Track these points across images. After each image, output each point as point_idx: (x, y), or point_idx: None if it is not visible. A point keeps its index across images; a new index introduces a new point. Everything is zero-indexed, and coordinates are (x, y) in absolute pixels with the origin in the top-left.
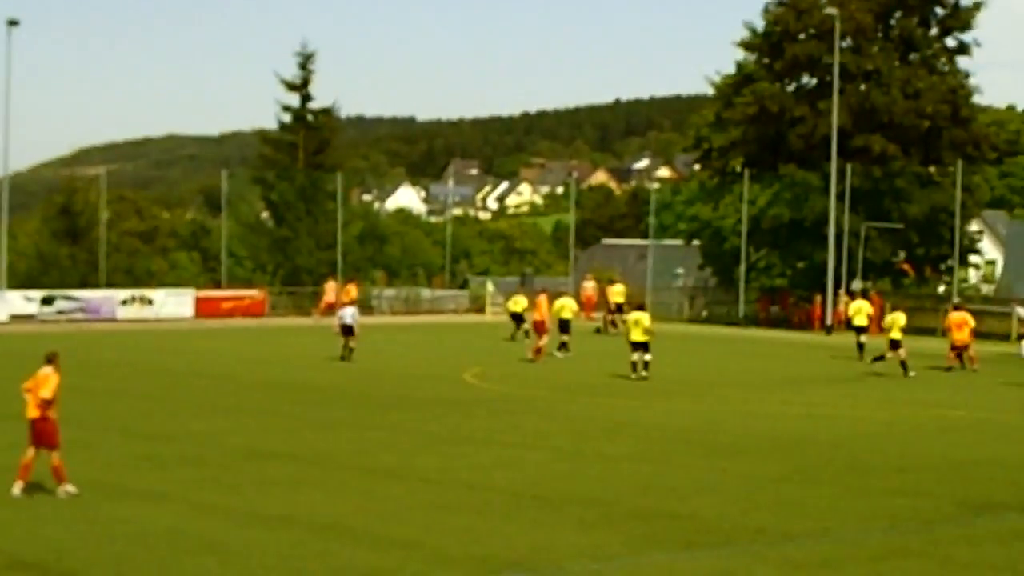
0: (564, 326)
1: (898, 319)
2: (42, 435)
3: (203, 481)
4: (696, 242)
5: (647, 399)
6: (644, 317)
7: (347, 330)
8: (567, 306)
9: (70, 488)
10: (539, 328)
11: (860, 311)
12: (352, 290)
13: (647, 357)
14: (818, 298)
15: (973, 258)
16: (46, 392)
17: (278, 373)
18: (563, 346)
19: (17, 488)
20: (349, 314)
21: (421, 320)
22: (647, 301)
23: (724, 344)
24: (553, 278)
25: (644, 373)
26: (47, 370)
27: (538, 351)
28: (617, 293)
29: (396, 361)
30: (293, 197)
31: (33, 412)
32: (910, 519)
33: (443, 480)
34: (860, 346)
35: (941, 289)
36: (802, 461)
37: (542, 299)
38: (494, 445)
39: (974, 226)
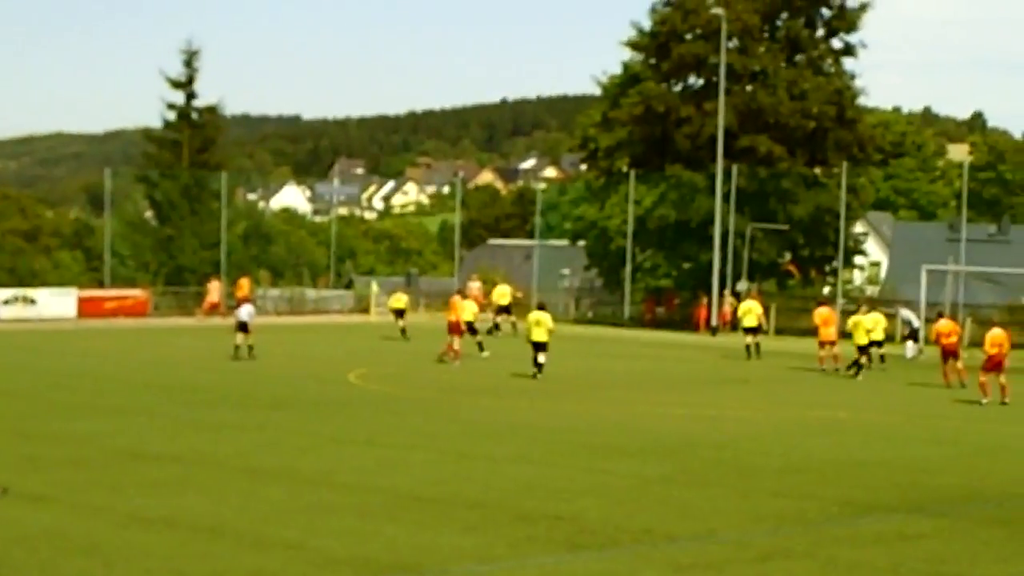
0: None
1: (862, 323)
2: None
3: (85, 482)
4: (582, 242)
5: (533, 400)
6: (545, 317)
7: (243, 327)
8: (505, 293)
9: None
10: (453, 329)
11: (750, 311)
12: (245, 285)
13: (541, 359)
14: (703, 299)
15: (858, 259)
16: None
17: (161, 374)
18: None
19: None
20: (245, 311)
21: (306, 320)
22: (532, 301)
23: (610, 345)
24: (439, 278)
25: (538, 372)
26: None
27: (452, 351)
28: (501, 295)
29: (280, 362)
30: (177, 196)
31: None
32: (795, 520)
33: (326, 482)
34: (749, 348)
35: (826, 290)
36: (687, 462)
37: (456, 299)
38: (377, 446)
39: (859, 227)
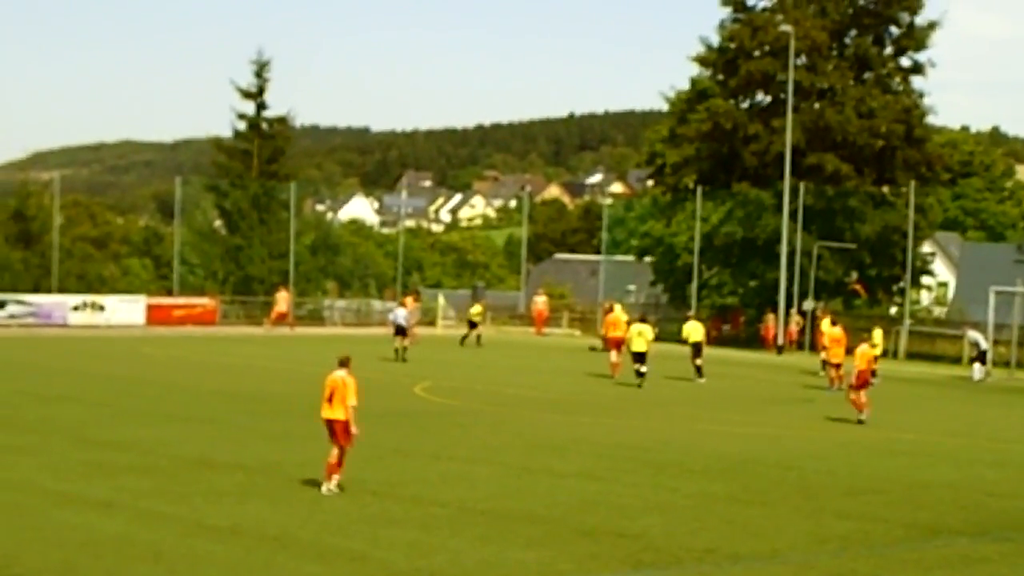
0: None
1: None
2: (340, 434)
3: (152, 490)
4: (648, 258)
5: (597, 416)
6: (646, 329)
7: (400, 330)
8: (698, 329)
9: (333, 487)
10: (614, 344)
11: (640, 335)
12: (409, 303)
13: (643, 369)
14: (769, 317)
15: (925, 279)
16: (353, 400)
17: (229, 382)
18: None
19: (326, 487)
20: (402, 315)
21: (372, 332)
22: (598, 318)
23: (675, 362)
24: (504, 292)
25: (641, 382)
26: (342, 373)
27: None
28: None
29: None
30: (247, 205)
31: (336, 414)
32: (860, 543)
33: (391, 494)
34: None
35: (893, 310)
36: (751, 481)
37: (618, 316)
38: (442, 459)
39: (927, 247)
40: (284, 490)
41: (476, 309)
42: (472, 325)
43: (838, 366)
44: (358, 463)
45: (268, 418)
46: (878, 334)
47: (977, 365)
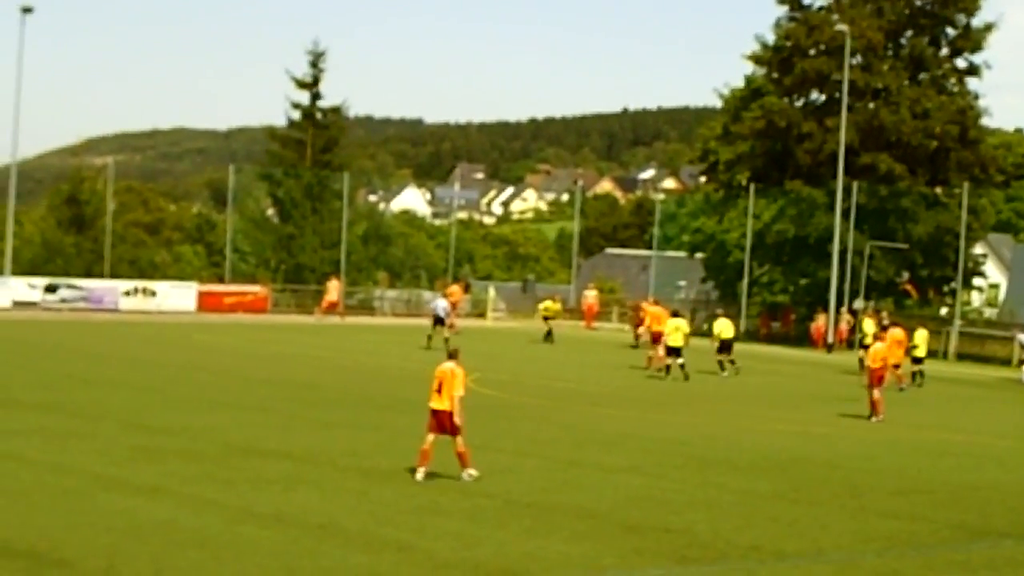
0: (727, 347)
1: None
2: (447, 423)
3: (199, 476)
4: (699, 255)
5: (645, 411)
6: (684, 323)
7: (439, 320)
8: (728, 325)
9: (472, 472)
10: (656, 338)
11: (677, 330)
12: (456, 292)
13: (680, 361)
14: (820, 315)
15: (977, 281)
16: (460, 390)
17: (278, 370)
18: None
19: (420, 474)
20: (442, 306)
21: (422, 323)
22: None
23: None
24: (555, 285)
25: (736, 367)
26: (451, 365)
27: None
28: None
29: (396, 363)
30: (299, 195)
31: (444, 404)
32: (905, 543)
33: (438, 485)
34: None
35: (944, 311)
36: (798, 479)
37: (658, 310)
38: (490, 451)
39: (979, 249)
40: (331, 479)
41: (547, 304)
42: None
43: (897, 366)
44: (406, 453)
45: (316, 407)
46: (920, 335)
47: None
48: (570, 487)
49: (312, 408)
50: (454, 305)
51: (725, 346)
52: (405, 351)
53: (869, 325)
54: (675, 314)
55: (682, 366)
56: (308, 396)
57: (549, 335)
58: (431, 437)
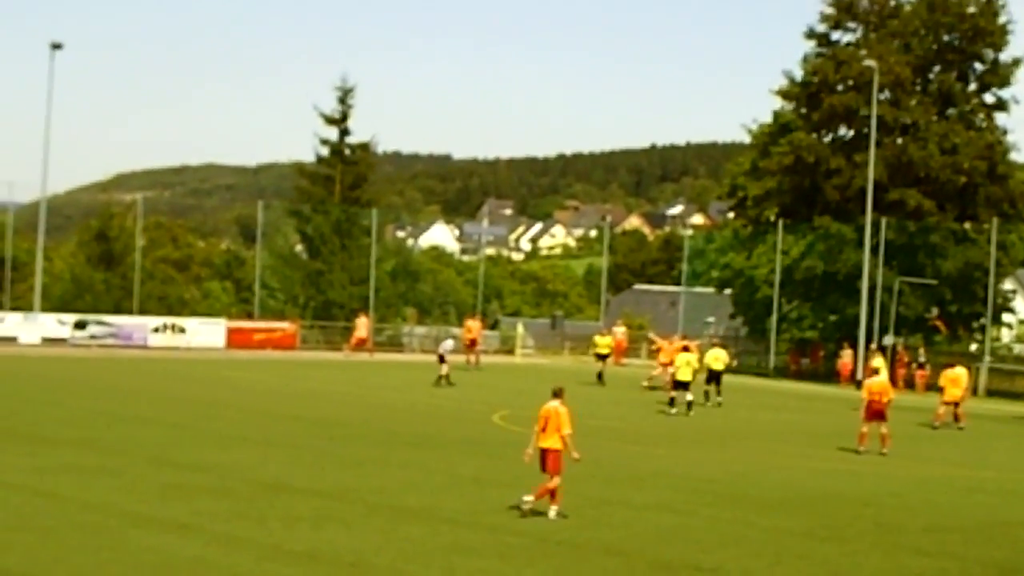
0: (715, 377)
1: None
2: (553, 462)
3: (229, 513)
4: (728, 291)
5: (674, 448)
6: (723, 353)
7: (441, 358)
8: (719, 357)
9: (559, 510)
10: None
11: (687, 364)
12: (474, 328)
13: (689, 397)
14: (846, 350)
15: (1006, 317)
16: (568, 428)
17: (307, 407)
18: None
19: (528, 498)
20: (448, 345)
21: (451, 359)
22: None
23: (753, 395)
24: (583, 322)
25: (718, 399)
26: (555, 404)
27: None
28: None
29: (425, 399)
30: (328, 231)
31: (550, 443)
32: None
33: (467, 522)
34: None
35: (973, 347)
36: (828, 517)
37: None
38: (520, 489)
39: (1008, 284)
40: (360, 516)
41: (605, 340)
42: (602, 358)
43: (957, 403)
44: (435, 491)
45: (345, 444)
46: (958, 374)
47: None
48: (600, 525)
49: (341, 445)
50: (474, 341)
51: (713, 376)
52: (433, 388)
53: (879, 361)
54: (685, 348)
55: (689, 403)
56: (337, 433)
57: (600, 377)
58: (552, 479)
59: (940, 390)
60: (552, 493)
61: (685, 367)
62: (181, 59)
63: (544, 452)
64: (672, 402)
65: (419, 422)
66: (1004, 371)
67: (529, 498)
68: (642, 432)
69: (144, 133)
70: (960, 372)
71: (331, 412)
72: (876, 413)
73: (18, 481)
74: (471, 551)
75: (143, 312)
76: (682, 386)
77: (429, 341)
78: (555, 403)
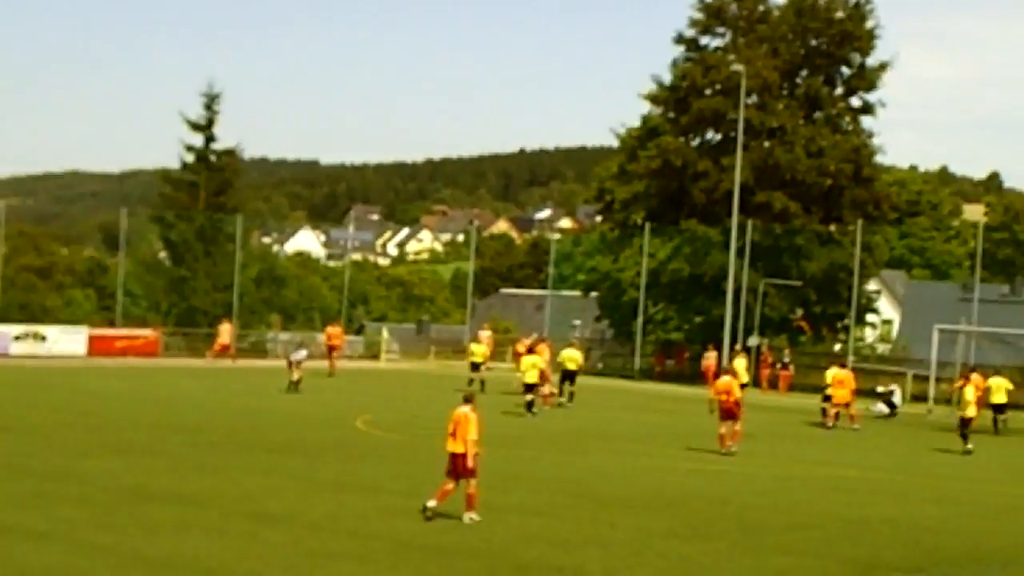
0: (569, 377)
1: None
2: (460, 466)
3: (89, 521)
4: (594, 294)
5: (539, 450)
6: (577, 353)
7: (290, 364)
8: (572, 357)
9: (475, 516)
10: (543, 377)
11: (571, 359)
12: (334, 333)
13: (530, 397)
14: (711, 352)
15: (870, 317)
16: (473, 434)
17: (169, 414)
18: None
19: (431, 502)
20: (301, 354)
21: (315, 365)
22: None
23: (619, 397)
24: (450, 326)
25: (560, 400)
26: (466, 409)
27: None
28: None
29: (288, 405)
30: (192, 237)
31: (460, 447)
32: None
33: (329, 527)
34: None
35: (837, 347)
36: (691, 516)
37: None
38: (382, 493)
39: (872, 285)
40: (222, 523)
41: (480, 348)
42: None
43: (847, 404)
44: (297, 496)
45: (207, 450)
46: (846, 375)
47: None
48: (462, 528)
49: (203, 452)
50: (334, 348)
51: (567, 375)
52: (297, 394)
53: (740, 363)
54: (530, 351)
55: (529, 404)
56: (199, 439)
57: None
58: (451, 483)
59: (825, 392)
60: (470, 497)
61: (531, 369)
62: (44, 63)
63: (454, 456)
64: (530, 406)
65: (282, 428)
66: (867, 371)
67: (432, 503)
68: (506, 435)
69: (6, 140)
70: (848, 373)
71: (193, 418)
72: (727, 412)
73: None
74: (333, 556)
75: (4, 320)
76: (529, 389)
77: (293, 347)
78: (466, 408)
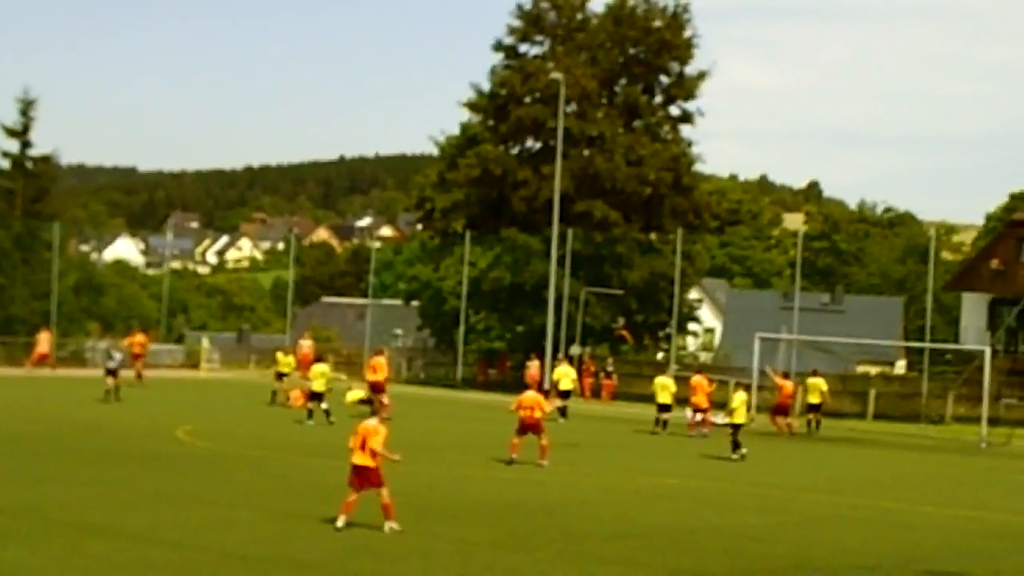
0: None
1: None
2: (372, 478)
3: None
4: (416, 303)
5: None
6: (328, 368)
7: (111, 372)
8: (567, 375)
9: (395, 525)
10: (377, 388)
11: (566, 375)
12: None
13: (325, 406)
14: (533, 361)
15: (692, 326)
16: (378, 447)
17: None
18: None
19: (340, 521)
20: (117, 358)
21: (134, 375)
22: (365, 361)
23: (441, 406)
24: (271, 335)
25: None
26: (373, 422)
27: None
28: (563, 374)
29: (109, 415)
30: (9, 245)
31: (365, 460)
32: None
33: (151, 538)
34: (563, 410)
35: (660, 356)
36: (515, 526)
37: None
38: (204, 504)
39: (694, 294)
40: (42, 534)
41: (287, 359)
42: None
43: (705, 410)
44: (118, 507)
45: (27, 460)
46: (817, 382)
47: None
48: (286, 539)
49: (22, 462)
50: (138, 356)
51: (373, 387)
52: (117, 403)
53: (560, 371)
54: (319, 360)
55: (309, 413)
56: (17, 450)
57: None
58: (353, 495)
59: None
60: (386, 507)
61: (320, 378)
62: None
63: (358, 469)
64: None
65: (102, 438)
66: (688, 380)
67: (341, 521)
68: (328, 445)
69: None
70: (703, 378)
71: (12, 428)
72: (530, 427)
73: None
74: (154, 567)
75: None
76: (315, 397)
77: (106, 355)
78: (372, 421)
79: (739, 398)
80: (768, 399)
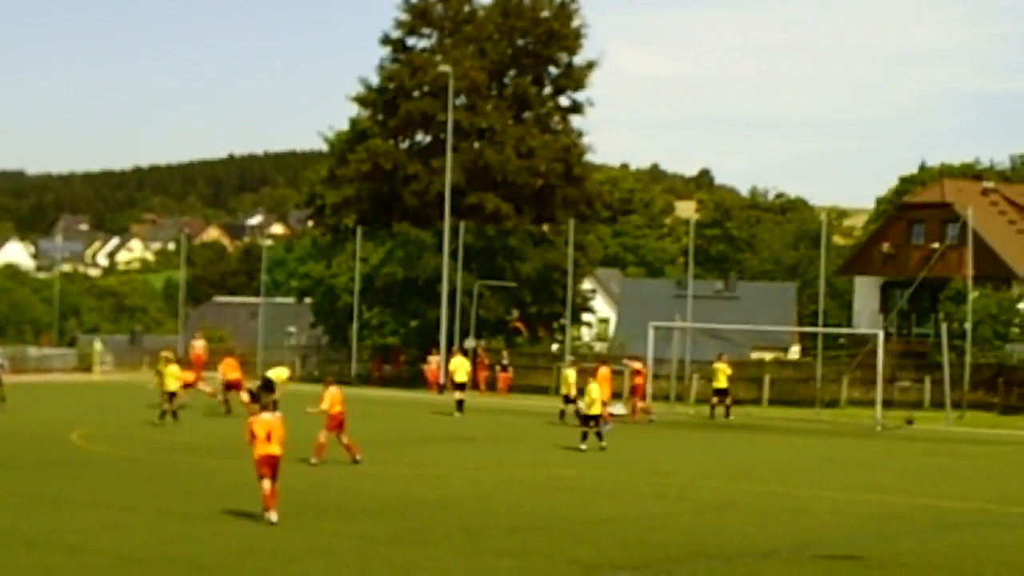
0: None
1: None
2: (277, 467)
3: None
4: (308, 300)
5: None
6: (284, 372)
7: None
8: (462, 367)
9: (274, 517)
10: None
11: (461, 367)
12: None
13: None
14: (434, 356)
15: (586, 316)
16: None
17: None
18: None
19: (272, 516)
20: None
21: (27, 379)
22: (258, 360)
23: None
24: (163, 336)
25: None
26: (279, 415)
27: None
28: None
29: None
30: None
31: (274, 449)
32: None
33: (47, 543)
34: (459, 403)
35: (555, 347)
36: (413, 522)
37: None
38: (99, 507)
39: (587, 284)
40: None
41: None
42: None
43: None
44: (13, 513)
45: None
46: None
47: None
48: (182, 540)
49: None
50: None
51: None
52: (8, 409)
53: (456, 362)
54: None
55: (174, 413)
56: None
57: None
58: (267, 483)
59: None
60: (270, 498)
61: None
62: None
63: (271, 457)
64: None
65: None
66: (587, 370)
67: (272, 514)
68: (223, 446)
69: None
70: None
71: None
72: (338, 424)
73: None
74: (52, 573)
75: None
76: (172, 397)
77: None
78: (279, 414)
79: (595, 389)
80: (664, 388)
